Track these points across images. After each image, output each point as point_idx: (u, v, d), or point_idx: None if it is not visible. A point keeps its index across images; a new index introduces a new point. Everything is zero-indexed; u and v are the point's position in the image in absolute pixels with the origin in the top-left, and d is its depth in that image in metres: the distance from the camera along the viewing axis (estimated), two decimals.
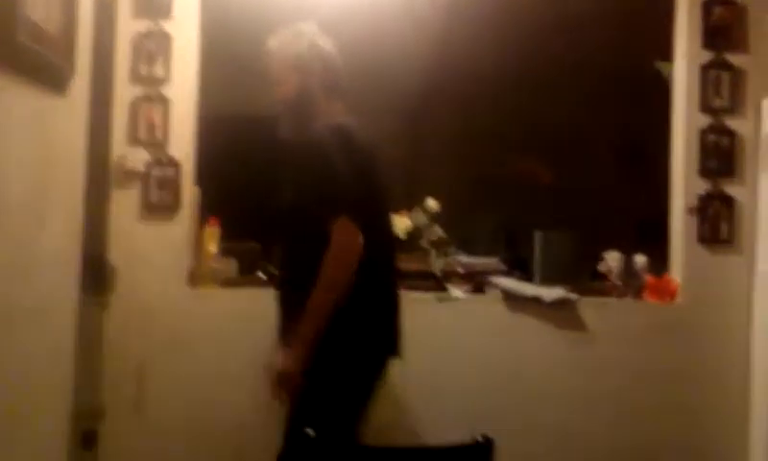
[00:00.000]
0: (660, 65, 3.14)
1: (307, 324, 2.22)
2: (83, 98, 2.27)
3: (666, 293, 3.03)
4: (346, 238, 2.22)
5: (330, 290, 2.22)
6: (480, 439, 1.79)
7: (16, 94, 1.79)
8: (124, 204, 3.00)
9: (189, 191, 3.07)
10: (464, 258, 3.15)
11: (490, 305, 3.01)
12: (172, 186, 3.02)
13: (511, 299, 3.02)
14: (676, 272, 3.07)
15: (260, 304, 2.94)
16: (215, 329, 2.98)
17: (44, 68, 1.93)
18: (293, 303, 2.29)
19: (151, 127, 3.03)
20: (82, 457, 2.67)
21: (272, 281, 3.04)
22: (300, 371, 2.23)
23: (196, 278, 3.05)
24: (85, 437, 2.79)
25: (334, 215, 2.23)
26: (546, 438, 2.96)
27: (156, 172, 3.02)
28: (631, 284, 3.10)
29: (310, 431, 1.81)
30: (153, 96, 3.01)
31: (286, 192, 2.38)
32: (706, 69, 3.01)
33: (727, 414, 2.98)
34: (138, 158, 3.01)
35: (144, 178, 3.01)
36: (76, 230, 2.21)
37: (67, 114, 2.15)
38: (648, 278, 3.09)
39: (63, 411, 2.13)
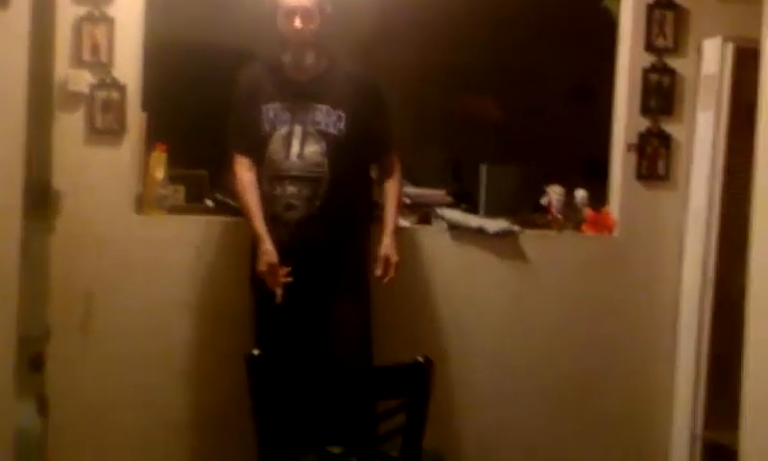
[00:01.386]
0: (608, 3, 3.18)
1: (394, 220, 2.76)
2: (23, 13, 2.22)
3: (604, 227, 3.15)
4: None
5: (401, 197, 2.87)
6: (420, 360, 1.87)
7: None
8: (68, 127, 2.94)
9: (136, 116, 3.02)
10: (411, 189, 3.20)
11: (435, 236, 3.07)
12: (117, 110, 2.97)
13: (455, 230, 3.09)
14: (614, 207, 3.18)
15: (207, 231, 3.01)
16: (162, 255, 2.99)
17: None
18: (344, 214, 2.67)
19: (95, 48, 2.95)
20: (30, 380, 2.68)
21: (219, 208, 3.08)
22: None
23: (143, 204, 3.03)
24: (33, 360, 2.80)
25: (395, 146, 2.81)
26: (484, 365, 3.08)
27: (100, 95, 2.96)
28: (571, 218, 3.20)
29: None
30: (97, 16, 2.93)
31: (343, 125, 2.67)
32: (651, 8, 3.07)
33: (657, 344, 3.13)
34: (82, 80, 2.94)
35: (88, 101, 2.95)
36: (19, 152, 2.18)
37: (7, 29, 2.10)
38: (588, 212, 3.19)
39: (9, 334, 2.14)
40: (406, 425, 1.92)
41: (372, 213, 2.83)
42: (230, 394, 2.76)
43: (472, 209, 3.23)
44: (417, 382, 1.90)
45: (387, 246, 2.69)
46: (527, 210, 3.28)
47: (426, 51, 4.23)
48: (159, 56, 3.17)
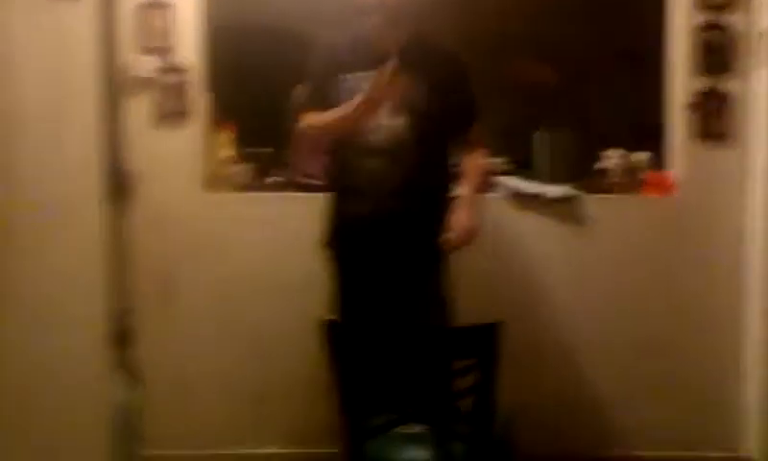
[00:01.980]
0: None
1: (475, 190, 2.70)
2: (91, 4, 2.32)
3: (664, 188, 3.15)
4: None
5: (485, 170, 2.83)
6: (490, 322, 1.94)
7: (34, 3, 1.85)
8: (137, 112, 3.04)
9: (200, 97, 3.12)
10: None
11: (496, 204, 3.11)
12: (182, 93, 3.08)
13: (516, 197, 3.13)
14: (674, 167, 3.18)
15: (274, 208, 3.12)
16: (232, 231, 3.10)
17: None
18: (427, 187, 2.63)
19: (158, 33, 3.06)
20: (120, 355, 2.81)
21: (285, 185, 3.17)
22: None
23: (211, 182, 3.14)
24: (121, 335, 2.94)
25: (478, 119, 2.76)
26: (552, 326, 3.13)
27: (165, 79, 3.07)
28: (631, 180, 3.21)
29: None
30: (158, 2, 3.03)
31: (426, 97, 2.60)
32: None
33: (721, 303, 3.13)
34: (148, 66, 3.06)
35: (154, 85, 3.06)
36: (95, 136, 2.29)
37: (78, 19, 2.19)
38: (647, 174, 3.19)
39: (98, 312, 2.26)
40: (478, 385, 1.99)
41: (452, 186, 2.76)
42: (307, 363, 2.84)
43: (529, 176, 3.25)
44: (487, 343, 1.97)
45: (460, 214, 2.62)
46: (586, 175, 3.28)
47: (474, 18, 4.22)
48: (224, 36, 3.25)
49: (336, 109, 2.58)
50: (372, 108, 2.51)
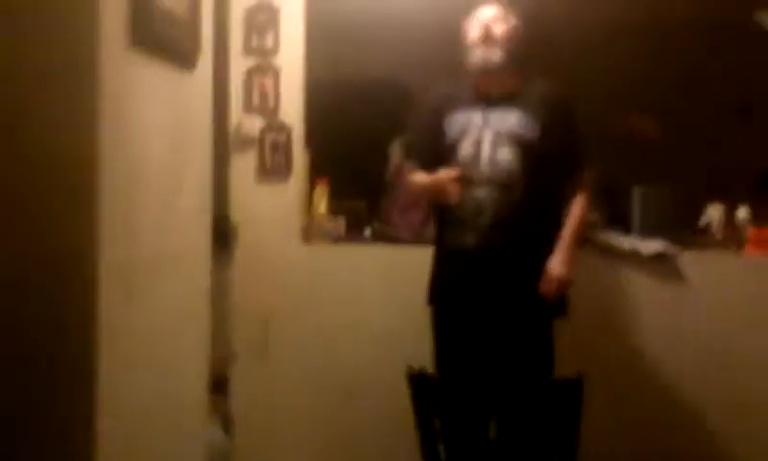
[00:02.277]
0: (761, 16, 3.11)
1: (574, 241, 2.64)
2: (207, 72, 2.49)
3: None
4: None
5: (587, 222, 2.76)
6: (575, 377, 1.94)
7: (154, 74, 2.02)
8: (242, 167, 3.24)
9: (300, 154, 3.28)
10: None
11: (586, 259, 3.06)
12: (284, 150, 3.24)
13: (612, 252, 3.10)
14: None
15: (366, 259, 3.21)
16: (328, 282, 3.21)
17: (176, 49, 2.15)
18: (534, 223, 2.59)
19: (263, 95, 3.24)
20: (215, 400, 2.93)
21: (378, 237, 3.27)
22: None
23: (308, 235, 3.27)
24: (218, 381, 3.04)
25: (587, 164, 2.71)
26: (647, 384, 3.06)
27: (269, 137, 3.25)
28: (733, 237, 3.12)
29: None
30: (264, 66, 3.22)
31: (535, 132, 2.60)
32: None
33: None
34: (253, 125, 3.24)
35: (259, 143, 3.24)
36: (206, 192, 2.45)
37: (195, 88, 2.37)
38: (750, 230, 3.10)
39: (202, 358, 2.39)
40: (563, 439, 1.99)
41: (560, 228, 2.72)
42: (392, 410, 2.89)
43: (626, 231, 3.20)
44: (572, 398, 1.97)
45: (555, 261, 2.58)
46: (687, 231, 3.22)
47: (585, 69, 4.23)
48: (320, 95, 3.40)
49: (432, 176, 2.63)
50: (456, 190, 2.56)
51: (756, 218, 3.13)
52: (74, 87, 1.67)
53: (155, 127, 2.02)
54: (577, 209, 2.69)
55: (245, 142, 3.26)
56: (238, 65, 3.23)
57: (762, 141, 3.25)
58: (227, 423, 3.13)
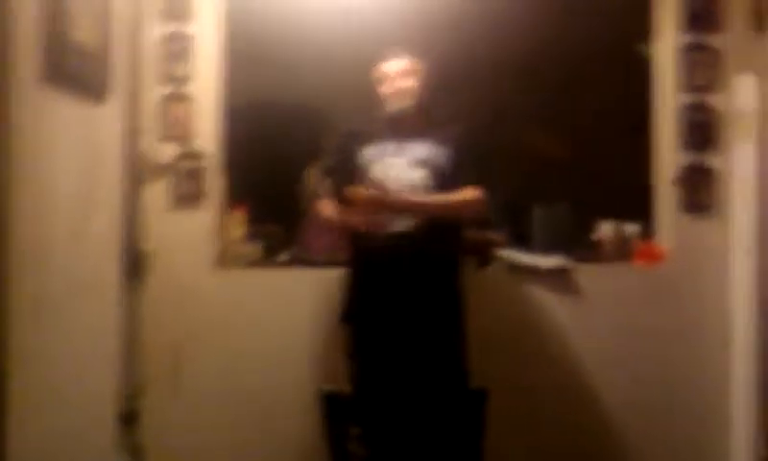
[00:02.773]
0: (641, 48, 3.37)
1: (435, 205, 2.77)
2: (119, 103, 2.55)
3: (653, 257, 3.28)
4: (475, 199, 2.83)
5: (451, 208, 2.82)
6: (476, 389, 2.07)
7: (65, 106, 2.07)
8: (155, 196, 3.24)
9: (215, 181, 3.31)
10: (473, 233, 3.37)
11: (494, 273, 3.25)
12: (199, 177, 3.27)
13: (514, 268, 3.28)
14: (662, 238, 3.32)
15: (284, 283, 3.26)
16: (243, 307, 3.25)
17: (87, 83, 2.21)
18: (439, 237, 2.75)
19: (177, 123, 3.27)
20: (125, 433, 2.83)
21: (295, 261, 3.34)
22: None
23: (224, 260, 3.30)
24: (127, 414, 2.93)
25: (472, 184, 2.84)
26: (543, 392, 3.23)
27: (184, 165, 3.28)
28: (622, 251, 3.35)
29: None
30: (178, 94, 3.26)
31: (440, 154, 2.81)
32: (686, 51, 3.24)
33: (709, 369, 3.23)
34: (167, 153, 3.26)
35: (173, 170, 3.27)
36: (116, 221, 2.50)
37: (106, 119, 2.42)
38: (637, 244, 3.34)
39: (109, 391, 2.40)
40: (467, 447, 2.12)
41: (462, 247, 2.96)
42: (311, 438, 2.96)
43: (527, 248, 3.39)
44: (477, 409, 2.10)
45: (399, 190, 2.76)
46: (580, 246, 3.42)
47: (484, 91, 4.40)
48: (238, 119, 3.43)
49: (345, 209, 2.79)
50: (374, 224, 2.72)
51: (642, 233, 3.37)
52: None
53: (65, 158, 2.07)
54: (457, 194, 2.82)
55: (158, 170, 3.28)
56: (153, 94, 3.25)
57: (640, 161, 3.49)
58: (137, 456, 3.09)
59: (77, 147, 2.15)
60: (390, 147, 2.85)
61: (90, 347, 2.20)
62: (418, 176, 2.79)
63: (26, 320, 1.77)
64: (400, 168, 2.80)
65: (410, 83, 2.89)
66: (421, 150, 2.84)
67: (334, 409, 2.16)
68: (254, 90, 3.80)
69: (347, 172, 2.88)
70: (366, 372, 2.67)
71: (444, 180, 2.80)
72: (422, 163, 2.80)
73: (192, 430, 3.20)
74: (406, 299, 2.69)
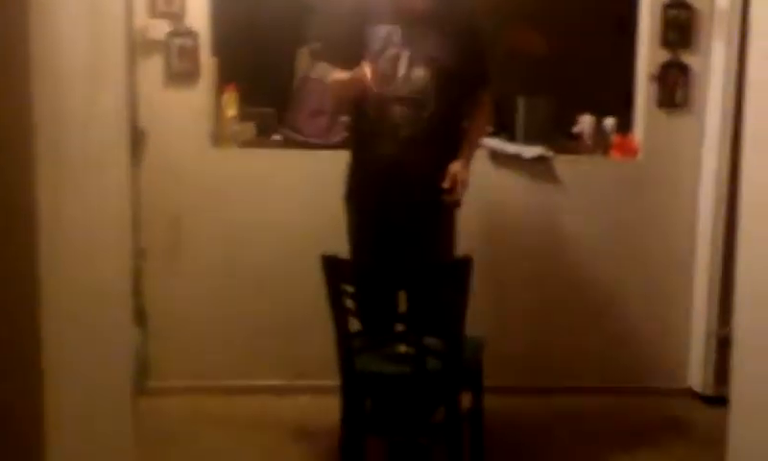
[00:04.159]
0: None
1: (473, 149, 2.88)
2: None
3: (629, 151, 3.47)
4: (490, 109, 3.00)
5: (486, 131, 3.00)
6: (462, 257, 2.26)
7: None
8: (148, 72, 3.31)
9: (207, 60, 3.37)
10: None
11: (478, 162, 3.32)
12: (191, 55, 3.32)
13: (496, 156, 3.43)
14: (638, 133, 3.49)
15: (275, 163, 3.39)
16: (237, 184, 3.38)
17: None
18: (442, 138, 2.78)
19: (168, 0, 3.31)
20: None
21: (286, 142, 3.45)
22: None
23: (218, 139, 3.41)
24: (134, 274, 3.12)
25: (489, 84, 2.93)
26: (522, 274, 3.46)
27: (175, 42, 3.31)
28: (600, 144, 3.52)
29: None
30: None
31: (448, 53, 2.74)
32: None
33: (677, 254, 3.48)
34: (159, 29, 3.29)
35: (165, 48, 3.31)
36: (121, 97, 2.57)
37: None
38: (615, 137, 3.51)
39: (127, 249, 2.54)
40: (452, 312, 2.32)
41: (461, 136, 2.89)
42: (302, 303, 3.21)
43: (510, 137, 3.53)
44: (461, 276, 2.30)
45: (458, 165, 2.76)
46: (561, 138, 3.58)
47: None
48: (229, 2, 3.45)
49: (357, 69, 2.68)
50: (386, 81, 2.69)
51: (620, 127, 3.54)
52: None
53: (76, 24, 2.12)
54: (478, 122, 2.93)
55: (150, 47, 3.31)
56: None
57: (632, 55, 3.59)
58: (141, 318, 3.28)
59: (86, 17, 2.21)
60: (396, 34, 2.75)
61: (107, 208, 2.32)
62: (421, 76, 2.73)
63: (49, 190, 1.87)
64: (405, 65, 2.72)
65: None
66: (427, 44, 2.74)
67: (331, 269, 2.33)
68: None
69: (348, 48, 2.78)
70: (358, 243, 2.81)
71: (449, 78, 2.74)
72: (427, 61, 2.73)
73: (191, 295, 3.39)
74: (406, 186, 2.74)
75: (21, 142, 1.77)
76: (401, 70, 2.72)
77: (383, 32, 2.75)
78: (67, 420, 1.96)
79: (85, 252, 2.13)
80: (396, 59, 2.73)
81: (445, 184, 2.73)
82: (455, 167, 2.76)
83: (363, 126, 2.81)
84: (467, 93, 2.87)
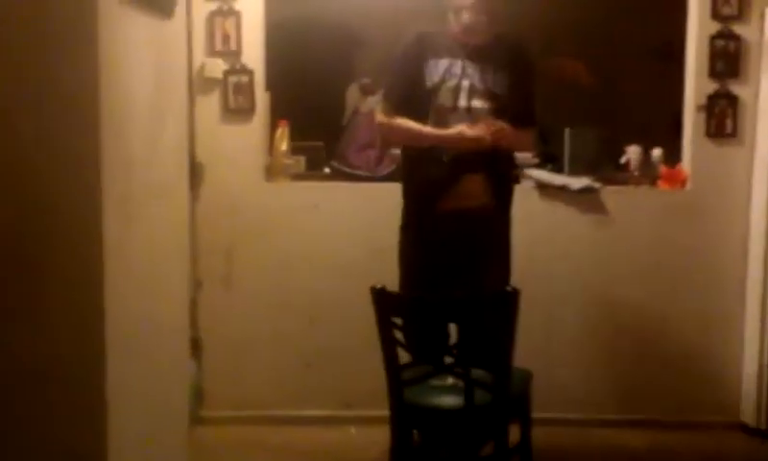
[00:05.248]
0: None
1: (510, 137, 2.81)
2: (182, 18, 2.71)
3: (678, 181, 3.46)
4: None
5: (523, 145, 3.10)
6: (510, 289, 2.30)
7: (141, 23, 2.24)
8: (206, 108, 3.44)
9: (262, 96, 3.48)
10: None
11: (525, 194, 3.37)
12: (247, 92, 3.44)
13: (545, 188, 3.45)
14: (686, 163, 3.48)
15: (325, 195, 3.48)
16: (288, 216, 3.46)
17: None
18: (498, 169, 2.84)
19: (226, 38, 3.42)
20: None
21: (335, 174, 3.54)
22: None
23: (270, 172, 3.51)
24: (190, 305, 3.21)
25: (534, 126, 3.02)
26: (571, 306, 3.46)
27: (232, 79, 3.44)
28: (648, 174, 3.52)
29: None
30: (225, 10, 3.39)
31: (506, 87, 2.82)
32: None
33: (727, 285, 3.44)
34: (216, 68, 3.42)
35: (222, 85, 3.43)
36: (183, 130, 2.69)
37: (173, 33, 2.58)
38: (663, 168, 3.51)
39: (185, 280, 2.64)
40: (500, 345, 2.36)
41: (515, 175, 3.05)
42: (351, 334, 3.27)
43: (557, 169, 3.56)
44: (509, 308, 2.33)
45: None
46: (608, 169, 3.60)
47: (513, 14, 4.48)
48: (280, 39, 3.57)
49: (424, 130, 2.79)
50: (458, 143, 2.75)
51: (667, 157, 3.53)
52: (76, 40, 1.87)
53: (142, 71, 2.25)
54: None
55: (208, 84, 3.44)
56: (200, 8, 3.39)
57: (678, 84, 3.60)
58: (195, 348, 3.38)
59: (152, 60, 2.33)
60: (456, 66, 2.81)
61: (166, 244, 2.43)
62: (481, 107, 2.79)
63: (115, 219, 1.99)
64: (465, 95, 2.79)
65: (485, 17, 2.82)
66: (486, 77, 2.81)
67: (381, 302, 2.39)
68: (295, 7, 3.90)
69: (408, 91, 2.85)
70: (413, 273, 2.84)
71: (504, 111, 2.80)
72: (487, 93, 2.79)
73: (244, 326, 3.48)
74: (461, 214, 2.78)
75: (90, 183, 1.89)
76: (462, 101, 2.79)
77: (443, 64, 2.81)
78: (127, 448, 2.05)
79: (147, 284, 2.24)
80: (456, 89, 2.80)
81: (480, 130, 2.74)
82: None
83: (420, 156, 2.85)
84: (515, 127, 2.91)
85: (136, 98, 2.20)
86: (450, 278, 2.79)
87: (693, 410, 3.46)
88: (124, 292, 2.03)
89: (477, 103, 2.80)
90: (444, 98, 2.80)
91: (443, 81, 2.80)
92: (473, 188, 2.81)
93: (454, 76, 2.80)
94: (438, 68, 2.82)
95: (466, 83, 2.80)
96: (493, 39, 2.86)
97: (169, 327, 2.52)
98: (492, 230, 2.85)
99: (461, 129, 2.75)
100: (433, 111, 2.81)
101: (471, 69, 2.81)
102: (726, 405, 3.46)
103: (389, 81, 2.97)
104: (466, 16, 2.81)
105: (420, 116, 2.83)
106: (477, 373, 2.38)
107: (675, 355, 3.46)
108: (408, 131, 2.85)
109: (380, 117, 2.97)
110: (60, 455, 1.92)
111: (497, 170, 2.86)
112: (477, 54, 2.83)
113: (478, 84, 2.81)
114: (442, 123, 2.80)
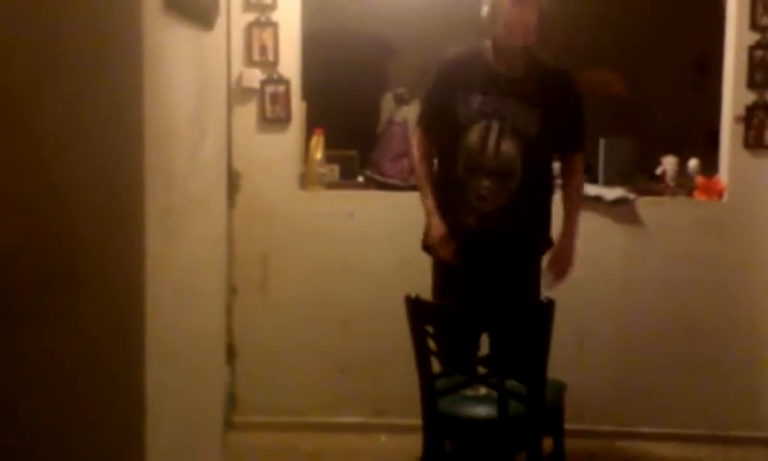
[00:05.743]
0: None
1: (575, 219, 2.92)
2: (222, 30, 2.76)
3: (714, 192, 3.43)
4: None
5: (581, 184, 3.00)
6: (545, 301, 2.31)
7: (183, 35, 2.29)
8: (243, 118, 3.48)
9: (298, 105, 3.53)
10: None
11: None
12: (283, 101, 3.49)
13: None
14: (723, 174, 3.45)
15: (359, 204, 3.51)
16: (323, 224, 3.50)
17: (199, 11, 2.42)
18: (528, 206, 2.83)
19: (263, 49, 3.48)
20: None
21: (369, 183, 3.57)
22: None
23: (305, 181, 3.55)
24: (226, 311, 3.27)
25: (583, 147, 2.97)
26: (605, 317, 3.45)
27: (269, 89, 3.49)
28: (684, 185, 3.50)
29: None
30: (263, 21, 3.44)
31: (538, 123, 2.76)
32: None
33: (764, 297, 3.39)
34: (254, 77, 3.47)
35: (259, 94, 3.49)
36: (222, 141, 2.74)
37: (214, 46, 2.64)
38: (699, 179, 3.48)
39: (222, 287, 2.69)
40: (534, 356, 2.36)
41: (551, 210, 2.95)
42: (384, 341, 3.29)
43: (592, 179, 3.53)
44: (543, 320, 2.34)
45: (565, 248, 2.88)
46: (643, 180, 3.58)
47: (549, 27, 4.48)
48: (316, 49, 3.62)
49: (424, 193, 2.89)
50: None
51: (704, 168, 3.51)
52: (121, 54, 1.91)
53: (184, 84, 2.30)
54: (575, 194, 2.94)
55: (245, 94, 3.49)
56: (238, 19, 3.44)
57: (714, 97, 3.58)
58: (230, 354, 3.42)
59: (193, 72, 2.38)
60: (487, 105, 2.76)
61: (206, 254, 2.47)
62: (510, 151, 2.76)
63: (157, 230, 2.03)
64: (495, 138, 2.76)
65: (534, 14, 2.74)
66: (519, 115, 2.75)
67: (415, 311, 2.41)
68: (331, 18, 3.95)
69: (439, 118, 2.86)
70: (444, 288, 2.87)
71: (537, 148, 2.78)
72: (518, 133, 2.75)
73: (276, 331, 3.51)
74: (488, 252, 2.80)
75: (134, 196, 1.94)
76: (491, 143, 2.77)
77: (476, 101, 2.78)
78: (164, 454, 2.09)
79: (185, 293, 2.28)
80: (486, 130, 2.77)
81: (552, 268, 2.85)
82: (562, 252, 2.86)
83: (448, 193, 2.86)
84: (555, 155, 2.94)
85: (179, 111, 2.25)
86: (481, 290, 2.80)
87: (726, 425, 3.42)
88: (163, 301, 2.07)
89: (507, 145, 2.76)
90: (473, 138, 2.77)
91: (473, 120, 2.78)
92: (505, 229, 2.80)
93: (485, 116, 2.77)
94: (470, 105, 2.79)
95: (496, 125, 2.76)
96: (532, 69, 2.79)
97: (205, 334, 2.56)
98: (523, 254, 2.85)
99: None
100: (462, 148, 2.80)
101: (504, 107, 2.76)
102: (760, 421, 3.42)
103: (422, 106, 2.99)
104: (515, 14, 2.71)
105: (452, 143, 2.83)
106: (510, 383, 2.39)
107: (708, 369, 3.43)
108: (418, 184, 2.96)
109: (414, 140, 3.02)
110: None
111: (534, 210, 2.87)
112: (512, 88, 2.77)
113: (510, 124, 2.76)
114: (471, 164, 2.79)
